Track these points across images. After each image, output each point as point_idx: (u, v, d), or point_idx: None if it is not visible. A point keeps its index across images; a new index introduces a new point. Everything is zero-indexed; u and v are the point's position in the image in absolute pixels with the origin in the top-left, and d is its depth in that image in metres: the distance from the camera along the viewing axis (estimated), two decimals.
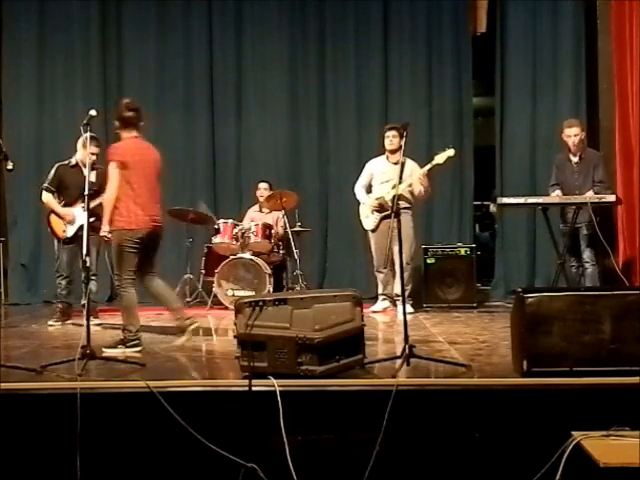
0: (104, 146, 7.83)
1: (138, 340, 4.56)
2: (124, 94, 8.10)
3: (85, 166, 5.80)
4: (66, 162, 6.04)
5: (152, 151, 4.79)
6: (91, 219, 5.86)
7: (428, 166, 6.23)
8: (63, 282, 6.05)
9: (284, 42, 8.13)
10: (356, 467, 3.25)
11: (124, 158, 4.56)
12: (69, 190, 5.96)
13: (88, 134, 4.43)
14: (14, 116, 7.99)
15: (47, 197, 6.00)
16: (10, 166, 4.33)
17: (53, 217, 6.01)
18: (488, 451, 3.29)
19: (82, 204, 5.74)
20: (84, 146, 5.72)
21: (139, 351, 4.50)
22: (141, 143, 4.72)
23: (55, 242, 6.08)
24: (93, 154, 5.83)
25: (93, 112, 4.18)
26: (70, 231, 5.97)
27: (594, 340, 3.45)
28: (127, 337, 4.54)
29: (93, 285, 5.86)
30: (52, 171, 6.01)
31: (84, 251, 4.02)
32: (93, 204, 5.80)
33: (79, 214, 5.91)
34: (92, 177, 5.86)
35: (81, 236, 5.76)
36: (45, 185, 6.00)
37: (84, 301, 5.96)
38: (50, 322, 6.00)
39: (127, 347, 4.49)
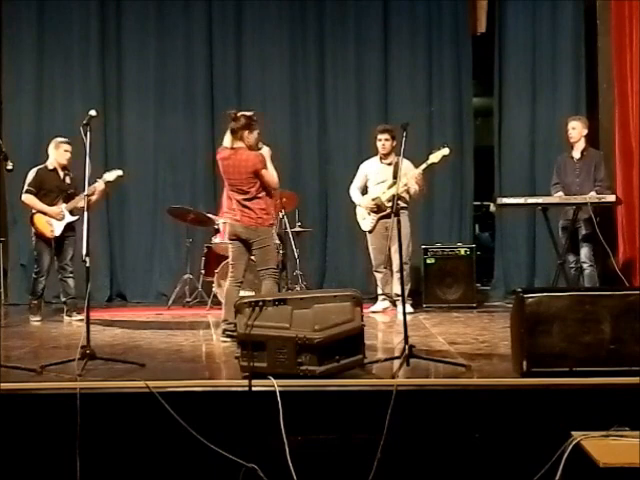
0: (108, 145, 7.93)
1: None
2: (124, 94, 8.15)
3: (62, 168, 6.31)
4: (43, 166, 6.32)
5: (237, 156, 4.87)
6: (74, 218, 6.15)
7: (423, 165, 6.22)
8: (43, 281, 6.30)
9: (284, 42, 8.12)
10: (356, 467, 3.25)
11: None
12: (49, 193, 6.26)
13: (89, 136, 4.41)
14: (14, 116, 7.99)
15: (30, 198, 6.25)
16: (10, 166, 4.34)
17: (38, 217, 6.24)
18: (488, 451, 3.29)
19: (63, 205, 6.24)
20: (56, 148, 6.25)
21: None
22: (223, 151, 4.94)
23: (34, 242, 6.30)
24: (67, 152, 6.28)
25: (93, 112, 4.17)
26: (58, 229, 6.22)
27: (594, 340, 3.45)
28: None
29: (71, 282, 6.29)
30: (32, 175, 6.24)
31: (84, 251, 4.01)
32: (72, 205, 6.18)
33: (66, 212, 6.23)
34: (67, 179, 6.20)
35: (64, 236, 6.18)
36: (27, 187, 6.23)
37: (64, 298, 6.33)
38: (35, 319, 6.23)
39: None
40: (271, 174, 4.89)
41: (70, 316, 6.24)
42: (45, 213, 6.19)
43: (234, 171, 4.84)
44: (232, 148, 4.87)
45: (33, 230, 6.27)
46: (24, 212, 7.81)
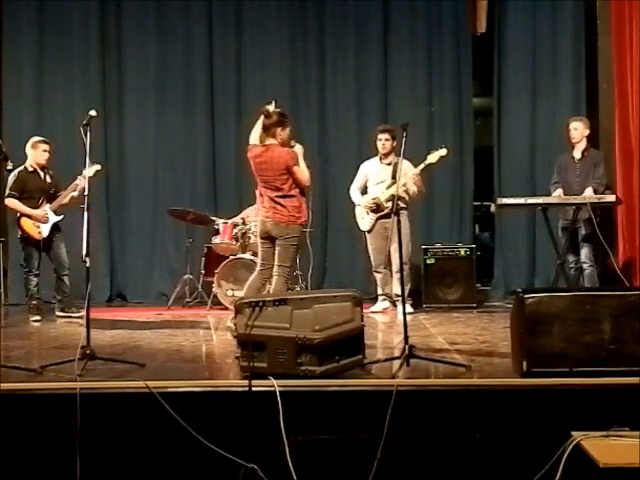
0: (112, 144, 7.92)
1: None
2: (124, 94, 8.15)
3: (41, 168, 6.30)
4: (23, 168, 6.26)
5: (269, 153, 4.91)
6: (59, 217, 6.17)
7: (421, 166, 6.23)
8: (34, 279, 6.34)
9: (284, 42, 8.12)
10: (356, 467, 3.25)
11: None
12: (32, 195, 6.24)
13: (89, 136, 4.42)
14: (14, 116, 7.99)
15: (13, 202, 6.21)
16: (10, 166, 4.36)
17: (25, 220, 6.23)
18: (488, 451, 3.29)
19: (47, 205, 6.25)
20: (34, 148, 6.23)
21: None
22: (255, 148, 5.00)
23: (22, 245, 6.31)
24: (45, 151, 6.28)
25: (93, 112, 4.18)
26: (45, 231, 6.23)
27: (594, 340, 3.45)
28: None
29: (67, 279, 6.33)
30: (13, 178, 6.17)
31: (84, 251, 4.01)
32: (56, 205, 6.24)
33: (51, 213, 6.24)
34: (47, 179, 6.22)
35: (51, 235, 6.21)
36: (8, 192, 6.19)
37: (59, 296, 6.38)
38: (34, 319, 6.24)
39: None
40: (303, 171, 4.92)
41: (68, 312, 6.24)
42: (30, 217, 6.18)
43: (267, 167, 4.88)
44: (264, 145, 4.92)
45: (20, 233, 6.26)
46: None
